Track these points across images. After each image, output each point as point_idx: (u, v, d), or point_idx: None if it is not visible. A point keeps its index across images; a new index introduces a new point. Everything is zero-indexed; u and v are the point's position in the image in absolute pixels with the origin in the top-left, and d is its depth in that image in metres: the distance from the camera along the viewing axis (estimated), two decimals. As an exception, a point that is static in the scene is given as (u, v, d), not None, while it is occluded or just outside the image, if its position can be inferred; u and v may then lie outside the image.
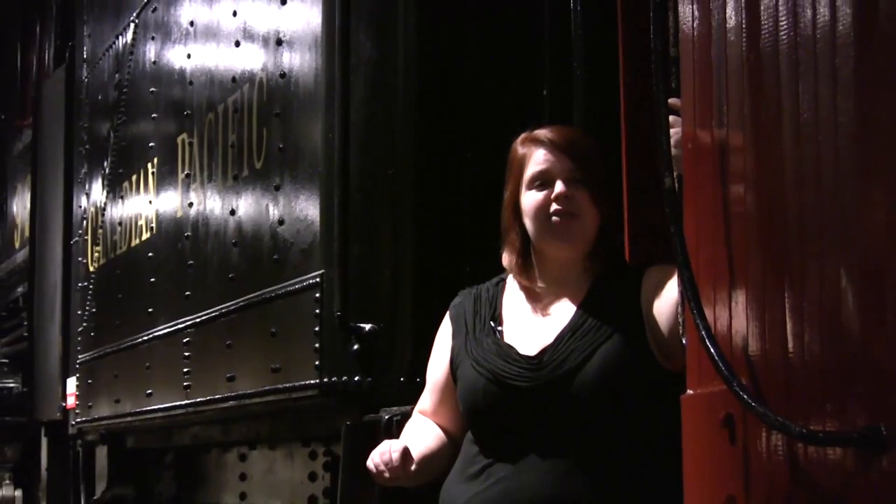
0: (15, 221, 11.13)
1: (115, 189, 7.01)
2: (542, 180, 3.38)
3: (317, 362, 4.40)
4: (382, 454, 3.33)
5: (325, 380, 4.37)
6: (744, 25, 2.62)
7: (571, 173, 3.36)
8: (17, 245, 10.89)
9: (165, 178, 6.13)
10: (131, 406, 6.42)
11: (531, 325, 3.40)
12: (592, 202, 3.36)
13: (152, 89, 6.41)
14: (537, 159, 3.39)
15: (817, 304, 2.38)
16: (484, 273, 3.63)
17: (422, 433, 3.52)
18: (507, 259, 3.48)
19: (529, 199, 3.39)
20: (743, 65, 2.62)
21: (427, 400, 3.58)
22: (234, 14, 5.30)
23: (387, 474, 3.33)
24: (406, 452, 3.33)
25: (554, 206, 3.35)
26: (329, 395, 4.38)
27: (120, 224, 6.91)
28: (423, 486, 3.52)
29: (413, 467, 3.35)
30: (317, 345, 4.41)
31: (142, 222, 6.49)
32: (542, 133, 3.42)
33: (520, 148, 3.44)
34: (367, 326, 4.32)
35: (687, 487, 2.78)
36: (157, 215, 6.24)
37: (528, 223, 3.40)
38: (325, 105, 4.48)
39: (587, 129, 3.76)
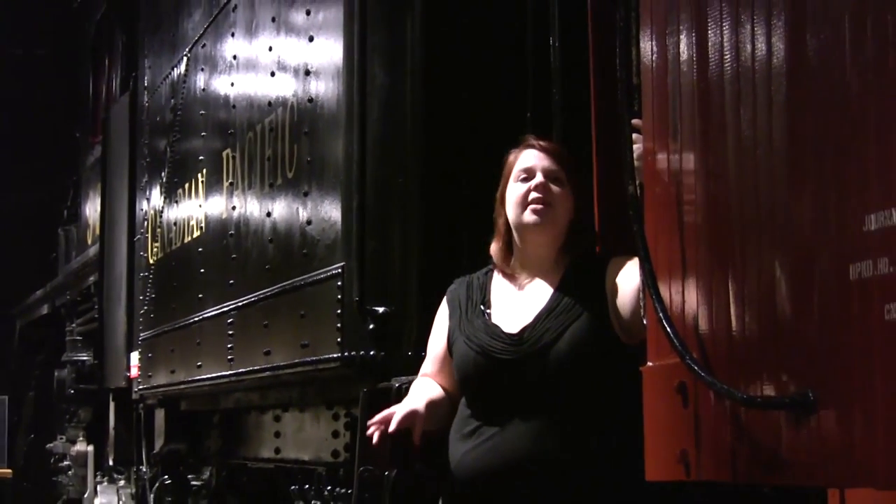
0: (88, 222, 11.13)
1: (171, 195, 7.01)
2: (526, 174, 3.40)
3: (339, 339, 4.40)
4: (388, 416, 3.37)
5: (346, 354, 4.37)
6: (694, 59, 2.62)
7: (551, 171, 3.39)
8: (89, 242, 10.89)
9: (213, 186, 6.13)
10: (184, 375, 6.42)
11: (514, 307, 3.41)
12: (565, 198, 3.38)
13: (202, 112, 6.41)
14: (525, 158, 3.43)
15: (756, 291, 2.38)
16: (478, 265, 3.63)
17: (424, 387, 3.53)
18: (494, 247, 3.49)
19: (513, 190, 3.42)
20: (694, 91, 2.62)
21: (429, 368, 3.58)
22: (270, 49, 5.30)
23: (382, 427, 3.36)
24: (414, 415, 3.35)
25: (532, 195, 3.37)
26: (349, 367, 4.38)
27: (175, 224, 6.91)
28: (429, 436, 3.54)
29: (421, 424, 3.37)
30: (338, 324, 4.41)
31: (193, 222, 6.49)
32: (532, 139, 3.47)
33: (513, 153, 3.48)
34: (381, 309, 4.31)
35: (647, 443, 2.78)
36: (206, 217, 6.23)
37: (510, 210, 3.41)
38: (346, 125, 4.48)
39: (564, 144, 3.76)
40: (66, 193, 12.69)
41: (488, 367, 3.33)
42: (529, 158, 3.42)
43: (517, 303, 3.41)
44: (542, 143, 3.45)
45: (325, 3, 4.75)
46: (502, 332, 3.35)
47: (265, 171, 5.28)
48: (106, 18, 10.55)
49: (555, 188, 3.37)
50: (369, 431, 3.39)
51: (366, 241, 4.37)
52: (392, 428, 3.34)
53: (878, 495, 2.60)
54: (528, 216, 3.37)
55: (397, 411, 3.37)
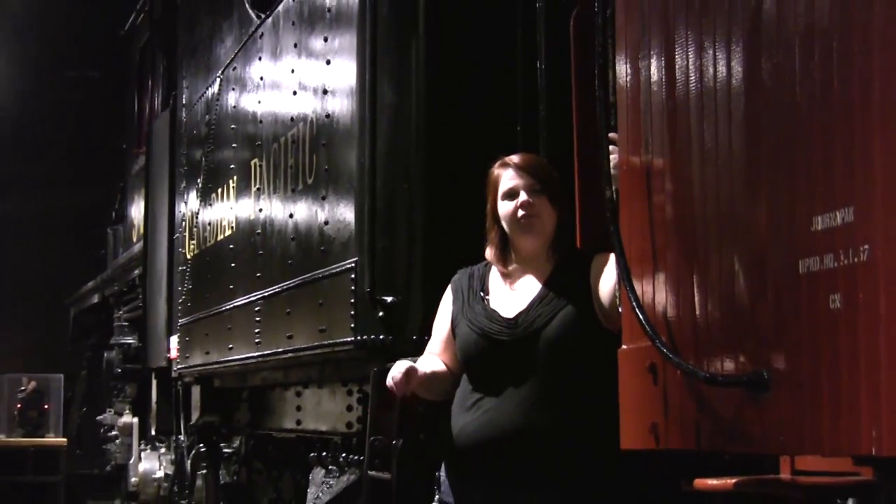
0: (133, 222, 11.13)
1: (206, 199, 7.01)
2: (511, 193, 3.39)
3: (352, 325, 4.40)
4: (392, 376, 3.34)
5: (358, 338, 4.37)
6: (664, 80, 2.62)
7: (532, 187, 3.38)
8: (134, 239, 10.89)
9: (242, 191, 6.13)
10: (217, 356, 6.42)
11: (510, 296, 3.41)
12: (548, 206, 3.38)
13: (232, 126, 6.41)
14: (507, 178, 3.42)
15: (716, 283, 2.38)
16: (474, 259, 3.63)
17: (430, 361, 3.52)
18: (489, 252, 3.49)
19: (503, 209, 3.41)
20: (663, 108, 2.62)
21: (434, 348, 3.57)
22: (293, 71, 5.30)
23: (395, 388, 3.34)
24: (410, 371, 3.33)
25: (520, 212, 3.37)
26: (361, 349, 4.38)
27: (209, 224, 6.90)
28: (430, 402, 3.54)
29: (417, 382, 3.36)
30: (352, 312, 4.41)
31: (225, 223, 6.49)
32: (510, 158, 3.45)
33: (495, 170, 3.46)
34: (389, 298, 4.31)
35: (622, 416, 2.78)
36: (236, 218, 6.23)
37: (505, 225, 3.41)
38: (359, 138, 4.48)
39: (549, 155, 3.76)
40: (114, 197, 12.69)
41: (488, 347, 3.33)
42: (511, 179, 3.41)
43: (512, 292, 3.42)
44: (518, 161, 3.44)
45: (340, 31, 4.75)
46: (500, 316, 3.36)
47: (288, 178, 5.28)
48: (149, 45, 10.56)
49: (537, 200, 3.38)
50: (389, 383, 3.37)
51: (376, 240, 4.37)
52: (392, 379, 3.32)
53: (822, 461, 2.61)
54: (521, 229, 3.39)
55: (394, 369, 3.36)
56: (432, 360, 3.54)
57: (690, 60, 2.50)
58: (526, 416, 3.23)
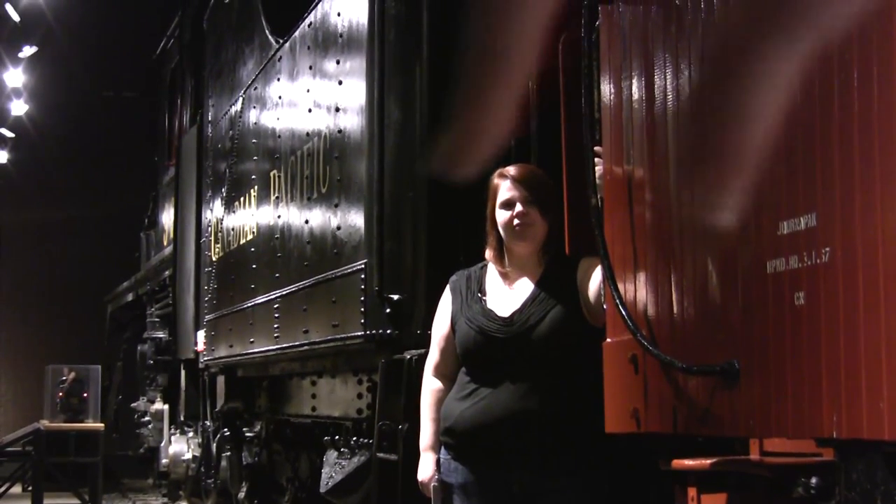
0: (164, 228, 11.13)
1: (230, 206, 7.01)
2: (508, 204, 3.38)
3: (362, 320, 4.40)
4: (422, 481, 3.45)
5: (368, 332, 4.37)
6: (643, 98, 2.62)
7: (526, 198, 3.36)
8: (165, 243, 10.89)
9: (262, 199, 6.13)
10: (240, 349, 6.42)
11: (505, 296, 3.40)
12: (541, 216, 3.37)
13: (254, 141, 6.41)
14: (504, 189, 3.40)
15: (692, 282, 2.38)
16: (472, 261, 3.62)
17: (434, 400, 3.48)
18: (488, 253, 3.48)
19: (501, 216, 3.39)
20: (643, 124, 2.62)
21: (435, 350, 3.53)
22: (308, 91, 5.30)
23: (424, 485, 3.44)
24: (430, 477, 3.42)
25: (516, 221, 3.36)
26: (370, 342, 4.38)
27: (232, 229, 6.91)
28: None
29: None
30: (362, 309, 4.41)
31: (247, 228, 6.49)
32: (508, 170, 3.43)
33: (495, 179, 3.44)
34: (396, 296, 4.31)
35: (607, 403, 2.77)
36: (257, 224, 6.23)
37: (501, 231, 3.40)
38: (368, 151, 4.48)
39: (540, 167, 3.75)
40: (147, 205, 12.71)
41: (485, 343, 3.32)
42: (508, 190, 3.39)
43: (507, 293, 3.41)
44: (515, 173, 3.42)
45: (351, 55, 4.76)
46: (496, 315, 3.35)
47: (304, 187, 5.28)
48: (179, 67, 10.56)
49: (531, 210, 3.37)
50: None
51: (384, 243, 4.37)
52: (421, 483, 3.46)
53: (787, 443, 2.61)
54: (516, 236, 3.37)
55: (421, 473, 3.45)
56: (433, 398, 3.49)
57: (667, 80, 2.50)
58: (520, 404, 3.22)
